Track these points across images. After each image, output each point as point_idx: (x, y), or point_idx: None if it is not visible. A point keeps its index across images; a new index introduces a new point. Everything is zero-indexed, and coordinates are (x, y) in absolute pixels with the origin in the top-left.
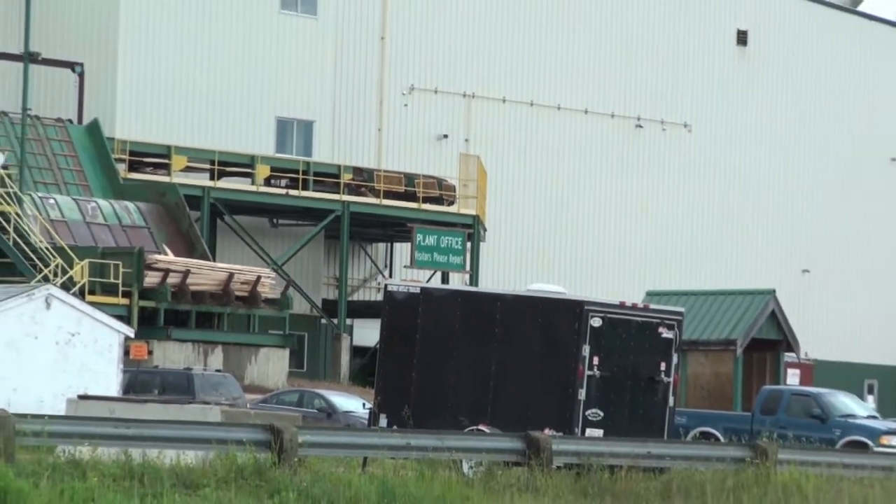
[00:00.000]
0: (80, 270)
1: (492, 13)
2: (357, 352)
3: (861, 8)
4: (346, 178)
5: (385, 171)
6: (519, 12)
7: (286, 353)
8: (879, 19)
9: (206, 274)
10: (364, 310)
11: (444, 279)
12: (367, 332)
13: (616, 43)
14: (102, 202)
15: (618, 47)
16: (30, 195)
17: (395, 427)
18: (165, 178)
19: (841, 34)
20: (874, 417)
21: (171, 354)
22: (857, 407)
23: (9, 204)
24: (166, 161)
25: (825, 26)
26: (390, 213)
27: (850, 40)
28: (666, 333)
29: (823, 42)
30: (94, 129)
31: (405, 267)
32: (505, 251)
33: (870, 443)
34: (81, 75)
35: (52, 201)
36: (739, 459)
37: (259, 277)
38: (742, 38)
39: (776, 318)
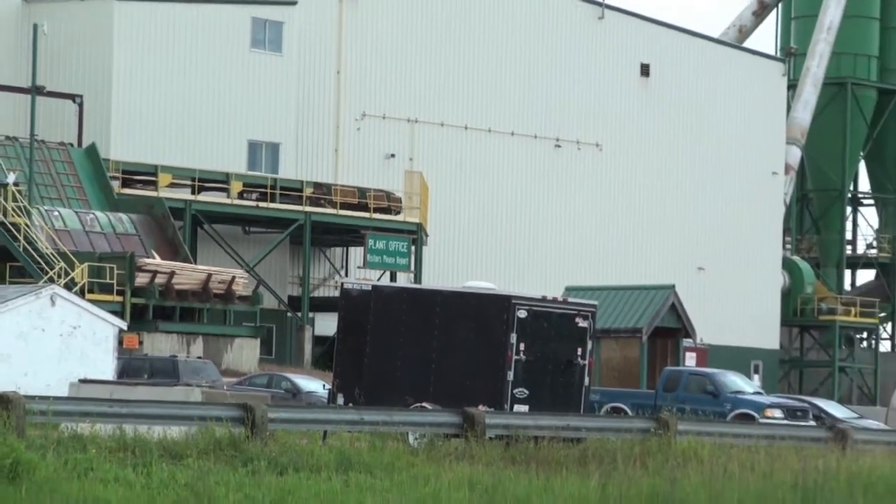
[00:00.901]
0: (81, 272)
1: (432, 50)
2: (318, 341)
3: (746, 44)
4: (308, 191)
5: (341, 186)
6: (455, 49)
7: (257, 342)
8: (761, 54)
9: (188, 275)
10: (324, 305)
11: (393, 278)
12: (327, 324)
13: (539, 74)
14: (99, 214)
15: (540, 78)
16: (37, 208)
17: (350, 405)
18: (153, 193)
19: (729, 66)
20: (759, 393)
21: (159, 344)
22: (745, 385)
23: (19, 216)
24: (154, 178)
25: (716, 59)
26: (346, 222)
27: (737, 71)
28: (582, 323)
29: (714, 73)
30: (91, 151)
31: (359, 268)
32: (444, 253)
33: (756, 415)
34: (81, 105)
35: (56, 213)
36: (645, 430)
37: (234, 277)
38: (645, 70)
39: (675, 310)
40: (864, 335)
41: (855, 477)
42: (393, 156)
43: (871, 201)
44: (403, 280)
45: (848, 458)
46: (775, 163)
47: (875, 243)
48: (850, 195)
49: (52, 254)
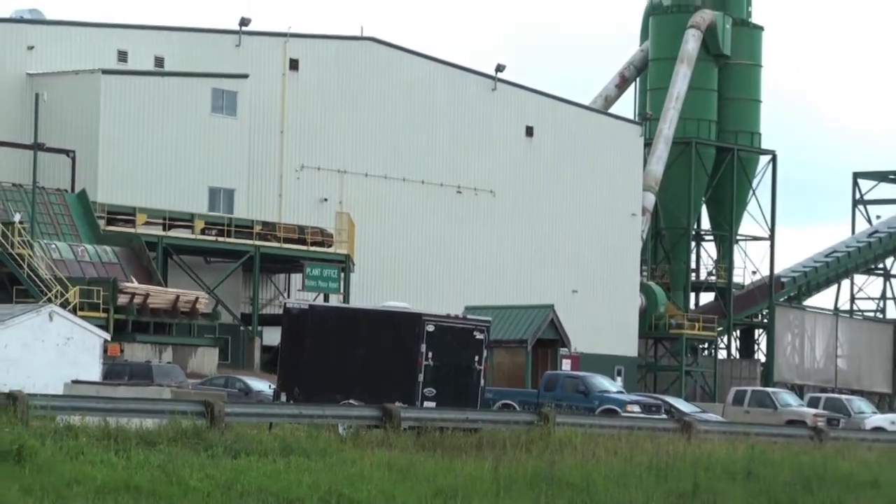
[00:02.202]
0: (73, 294)
1: (357, 115)
2: (265, 349)
3: (611, 110)
4: (257, 229)
5: (284, 224)
6: (376, 114)
7: (216, 350)
8: (623, 118)
9: (160, 296)
10: (270, 320)
11: (326, 299)
12: (272, 336)
13: (444, 134)
14: (88, 247)
15: (445, 137)
16: (38, 242)
17: (291, 402)
18: (132, 230)
19: (597, 128)
20: (621, 392)
21: (136, 352)
22: (610, 385)
23: (24, 248)
24: (132, 218)
25: (587, 123)
26: (288, 254)
27: (604, 132)
28: (478, 335)
29: (586, 133)
30: (82, 196)
31: (298, 290)
32: (368, 279)
33: (618, 410)
34: (73, 159)
35: (53, 246)
36: (529, 422)
37: (197, 298)
38: (529, 131)
39: (554, 325)
40: (706, 345)
41: (698, 459)
42: (326, 200)
43: (711, 237)
44: (334, 301)
45: (692, 444)
46: (634, 206)
47: (714, 271)
48: (694, 232)
49: (50, 279)
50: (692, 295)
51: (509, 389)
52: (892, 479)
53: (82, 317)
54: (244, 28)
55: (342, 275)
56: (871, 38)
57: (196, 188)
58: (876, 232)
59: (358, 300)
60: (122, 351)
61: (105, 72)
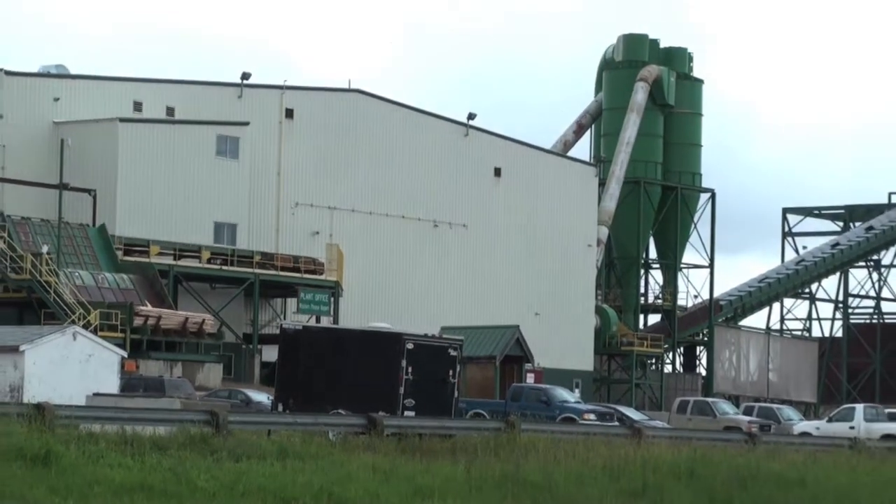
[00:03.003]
0: (94, 316)
1: (346, 158)
2: (264, 365)
3: (570, 153)
4: (257, 258)
5: (280, 254)
6: (362, 157)
7: (220, 366)
8: (580, 160)
9: (171, 318)
10: (268, 339)
11: (318, 320)
12: (271, 353)
13: (422, 174)
14: (108, 274)
15: (423, 177)
16: (63, 271)
17: (287, 411)
18: (146, 260)
19: (557, 169)
20: (579, 402)
21: (150, 368)
22: (569, 396)
23: (50, 276)
24: (147, 249)
25: (548, 164)
26: (284, 280)
27: (563, 173)
28: (452, 352)
29: (547, 174)
30: (102, 230)
31: (293, 313)
32: (355, 303)
33: (577, 417)
34: (94, 197)
35: (77, 274)
36: (497, 429)
37: (204, 320)
38: (497, 171)
39: (519, 343)
40: (653, 360)
41: (646, 461)
42: (317, 233)
43: (658, 265)
44: (325, 322)
45: (641, 448)
46: (590, 238)
47: (660, 295)
48: (642, 261)
49: (73, 303)
50: (641, 316)
51: (480, 400)
52: (818, 478)
53: (102, 337)
54: (245, 81)
55: (332, 299)
56: (798, 92)
57: (202, 223)
58: (802, 260)
59: (346, 321)
60: (137, 367)
61: (122, 120)
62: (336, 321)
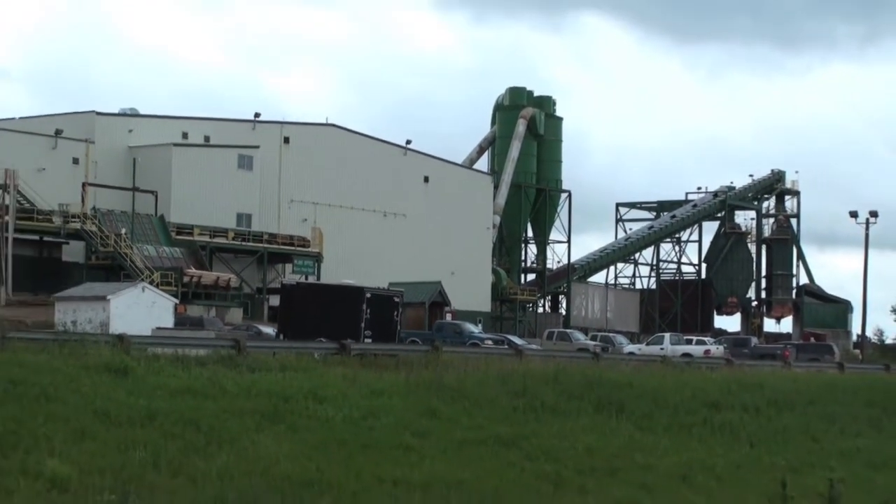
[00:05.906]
0: (156, 276)
1: (326, 169)
2: (271, 308)
3: (475, 166)
4: (265, 237)
5: (281, 235)
6: (336, 169)
7: (241, 309)
8: (481, 171)
9: (208, 277)
10: (273, 291)
11: (306, 279)
12: (275, 300)
13: (378, 180)
14: (165, 248)
15: (378, 182)
16: (135, 246)
17: (285, 339)
18: (192, 238)
19: (466, 178)
20: (481, 333)
21: (194, 310)
22: (474, 329)
23: (127, 248)
24: (192, 231)
25: (460, 175)
26: (284, 252)
27: (469, 180)
28: (396, 300)
29: (459, 181)
30: (161, 218)
31: (290, 273)
32: (332, 267)
33: (480, 343)
34: (156, 196)
35: (144, 248)
36: (426, 351)
37: (230, 278)
38: (426, 178)
39: (441, 293)
40: (530, 305)
41: (526, 372)
42: (306, 220)
43: (533, 241)
44: (311, 279)
45: (523, 363)
46: (487, 223)
47: (535, 261)
48: (523, 239)
49: (142, 267)
50: (522, 275)
51: (415, 332)
52: (640, 382)
53: (162, 290)
54: (257, 118)
55: (316, 265)
56: (623, 122)
57: (229, 213)
58: (629, 238)
59: (325, 279)
60: (185, 310)
61: (175, 145)
62: (318, 279)
